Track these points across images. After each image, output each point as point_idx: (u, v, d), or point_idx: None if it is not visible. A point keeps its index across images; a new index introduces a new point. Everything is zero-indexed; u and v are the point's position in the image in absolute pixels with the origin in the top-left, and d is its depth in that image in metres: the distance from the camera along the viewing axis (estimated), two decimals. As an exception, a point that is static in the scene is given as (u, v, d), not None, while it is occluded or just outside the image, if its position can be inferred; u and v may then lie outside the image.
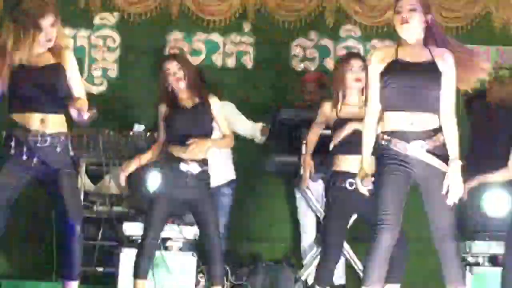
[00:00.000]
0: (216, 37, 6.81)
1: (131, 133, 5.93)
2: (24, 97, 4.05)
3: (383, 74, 3.83)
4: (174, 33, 6.72)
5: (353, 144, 4.52)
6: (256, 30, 6.84)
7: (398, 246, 4.02)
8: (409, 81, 3.76)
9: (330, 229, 4.89)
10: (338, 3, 6.60)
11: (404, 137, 3.72)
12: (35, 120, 4.00)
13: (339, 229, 4.87)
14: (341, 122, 4.77)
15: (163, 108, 4.95)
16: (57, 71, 4.06)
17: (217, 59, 6.83)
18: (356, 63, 4.82)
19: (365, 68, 4.52)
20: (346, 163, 4.75)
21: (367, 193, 3.99)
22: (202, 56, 6.63)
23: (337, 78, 4.83)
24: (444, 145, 3.81)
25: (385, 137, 3.78)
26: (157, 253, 5.19)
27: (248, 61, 6.88)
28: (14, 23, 4.01)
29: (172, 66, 4.87)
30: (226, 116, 5.29)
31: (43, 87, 4.06)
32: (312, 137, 5.15)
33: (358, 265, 5.73)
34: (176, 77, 4.79)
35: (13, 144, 4.08)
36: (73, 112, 3.98)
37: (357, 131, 4.56)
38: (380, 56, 3.91)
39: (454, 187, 3.74)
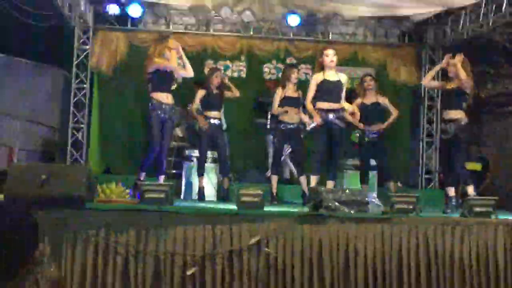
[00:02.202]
0: (228, 62, 9.59)
1: (188, 108, 7.90)
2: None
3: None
4: (208, 60, 9.52)
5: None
6: (247, 59, 9.65)
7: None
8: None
9: (275, 148, 7.33)
10: (285, 45, 9.52)
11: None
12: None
13: (281, 148, 7.30)
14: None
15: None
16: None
17: (229, 73, 9.35)
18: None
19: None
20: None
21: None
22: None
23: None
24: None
25: None
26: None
27: (243, 74, 9.69)
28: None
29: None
30: None
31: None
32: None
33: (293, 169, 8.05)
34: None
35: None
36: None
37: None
38: (316, 76, 6.29)
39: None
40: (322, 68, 6.38)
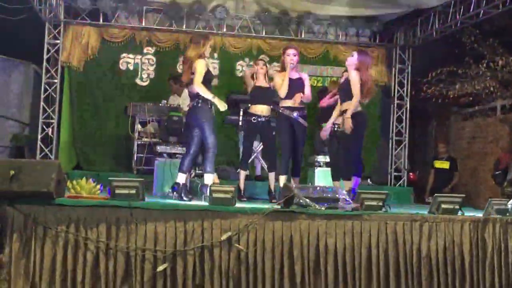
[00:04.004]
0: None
1: (160, 104, 8.50)
2: None
3: None
4: (181, 57, 8.89)
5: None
6: (220, 56, 9.70)
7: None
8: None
9: (245, 142, 7.08)
10: (258, 43, 9.64)
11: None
12: None
13: (250, 142, 7.07)
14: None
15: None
16: None
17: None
18: (261, 63, 6.87)
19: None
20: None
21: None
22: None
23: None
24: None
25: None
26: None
27: (216, 71, 9.67)
28: None
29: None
30: None
31: None
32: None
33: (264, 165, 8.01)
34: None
35: None
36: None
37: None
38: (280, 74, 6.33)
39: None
40: (283, 66, 6.48)
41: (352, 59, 6.13)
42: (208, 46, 5.93)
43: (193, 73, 5.86)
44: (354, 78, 6.00)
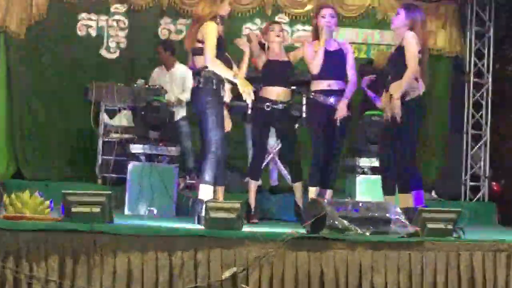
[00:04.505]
0: (190, 21, 8.26)
1: (135, 85, 8.59)
2: None
3: None
4: (164, 19, 9.59)
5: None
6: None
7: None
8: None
9: (255, 139, 7.21)
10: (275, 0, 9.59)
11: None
12: None
13: (262, 139, 7.07)
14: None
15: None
16: None
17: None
18: (277, 27, 7.14)
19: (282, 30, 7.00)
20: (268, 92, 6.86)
21: None
22: (183, 34, 9.23)
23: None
24: None
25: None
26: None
27: None
28: None
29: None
30: None
31: None
32: None
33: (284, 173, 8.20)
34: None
35: None
36: None
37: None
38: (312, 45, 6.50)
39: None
40: (317, 33, 6.61)
41: (399, 19, 6.09)
42: (227, 2, 5.97)
43: (200, 41, 5.88)
44: (410, 41, 5.92)
